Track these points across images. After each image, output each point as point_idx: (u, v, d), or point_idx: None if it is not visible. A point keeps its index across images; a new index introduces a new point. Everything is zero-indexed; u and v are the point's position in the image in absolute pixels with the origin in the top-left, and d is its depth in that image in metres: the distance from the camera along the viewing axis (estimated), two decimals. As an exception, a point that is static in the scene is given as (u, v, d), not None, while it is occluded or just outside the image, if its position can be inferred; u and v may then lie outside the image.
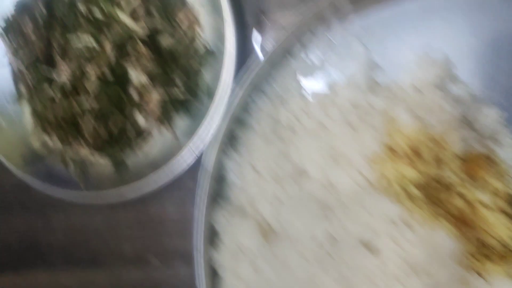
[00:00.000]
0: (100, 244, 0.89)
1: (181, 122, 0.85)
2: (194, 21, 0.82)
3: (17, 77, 0.86)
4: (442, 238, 0.63)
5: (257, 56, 0.76)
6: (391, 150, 0.69)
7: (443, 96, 0.70)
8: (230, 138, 0.79)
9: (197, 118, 0.81)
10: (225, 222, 0.77)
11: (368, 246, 0.67)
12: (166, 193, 0.85)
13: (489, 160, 0.68)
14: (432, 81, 0.72)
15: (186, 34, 0.83)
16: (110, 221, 0.88)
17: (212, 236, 0.78)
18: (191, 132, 0.80)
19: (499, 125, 0.71)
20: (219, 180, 0.79)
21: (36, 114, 0.85)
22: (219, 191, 0.79)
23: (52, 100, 0.82)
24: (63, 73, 0.81)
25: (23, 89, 0.86)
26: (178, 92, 0.82)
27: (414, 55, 0.74)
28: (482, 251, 0.65)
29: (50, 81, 0.82)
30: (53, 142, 0.85)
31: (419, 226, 0.64)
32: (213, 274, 0.77)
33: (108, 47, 0.79)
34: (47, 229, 0.91)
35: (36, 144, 0.86)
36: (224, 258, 0.76)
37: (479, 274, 0.65)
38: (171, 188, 0.84)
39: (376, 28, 0.77)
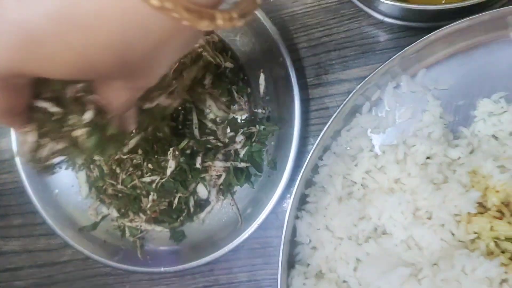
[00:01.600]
0: (169, 314, 0.86)
1: (243, 193, 0.83)
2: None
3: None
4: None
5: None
6: (481, 205, 0.66)
7: (526, 144, 0.68)
8: (302, 202, 0.77)
9: (261, 190, 0.80)
10: (301, 285, 0.74)
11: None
12: (233, 258, 0.83)
13: None
14: (510, 129, 0.70)
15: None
16: (178, 290, 0.86)
17: (290, 300, 0.75)
18: (254, 204, 0.79)
19: None
20: (293, 244, 0.77)
21: (91, 182, 0.84)
22: (293, 256, 0.77)
23: (112, 172, 0.80)
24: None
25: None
26: (241, 162, 0.81)
27: (488, 102, 0.72)
28: None
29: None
30: (110, 212, 0.84)
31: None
32: None
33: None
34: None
35: (91, 213, 0.85)
36: (304, 324, 0.73)
37: None
38: (238, 252, 0.82)
39: (445, 77, 0.75)
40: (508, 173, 0.65)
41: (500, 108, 0.72)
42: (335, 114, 0.73)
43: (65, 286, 0.91)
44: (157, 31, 0.41)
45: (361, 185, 0.75)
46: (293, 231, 0.76)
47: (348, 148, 0.77)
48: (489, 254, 0.64)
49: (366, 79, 0.73)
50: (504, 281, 0.62)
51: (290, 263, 0.76)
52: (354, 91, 0.73)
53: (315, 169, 0.77)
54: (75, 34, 0.40)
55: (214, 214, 0.83)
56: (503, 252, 0.64)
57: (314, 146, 0.73)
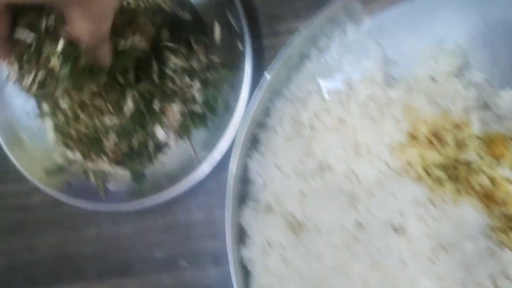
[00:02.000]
0: (131, 252, 0.91)
1: (199, 135, 0.88)
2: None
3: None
4: (468, 213, 0.65)
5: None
6: (413, 136, 0.71)
7: (459, 83, 0.73)
8: (254, 142, 0.82)
9: (215, 132, 0.85)
10: (252, 220, 0.79)
11: (396, 228, 0.69)
12: (191, 198, 0.88)
13: (510, 140, 0.71)
14: (447, 70, 0.75)
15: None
16: (139, 229, 0.91)
17: (241, 235, 0.80)
18: (209, 145, 0.84)
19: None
20: (245, 182, 0.82)
21: (58, 128, 0.88)
22: (245, 192, 0.82)
23: (75, 116, 0.85)
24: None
25: (45, 105, 0.89)
26: (197, 107, 0.85)
27: (428, 47, 0.78)
28: (508, 225, 0.67)
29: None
30: (75, 156, 0.88)
31: (444, 204, 0.67)
32: (245, 272, 0.79)
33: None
34: (79, 241, 0.93)
35: (58, 158, 0.89)
36: (254, 255, 0.78)
37: (506, 245, 0.67)
38: (196, 193, 0.87)
39: (389, 26, 0.80)
40: (437, 106, 0.71)
41: (438, 51, 0.77)
42: (280, 58, 0.77)
43: (35, 229, 0.95)
44: None
45: (309, 126, 0.80)
46: (246, 170, 0.81)
47: (298, 92, 0.82)
48: (419, 180, 0.70)
49: (312, 25, 0.78)
50: (430, 201, 0.68)
51: (242, 200, 0.81)
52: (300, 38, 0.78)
53: (267, 112, 0.82)
54: None
55: (173, 157, 0.87)
56: (434, 178, 0.70)
57: (260, 92, 0.78)
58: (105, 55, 0.69)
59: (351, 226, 0.71)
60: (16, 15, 0.63)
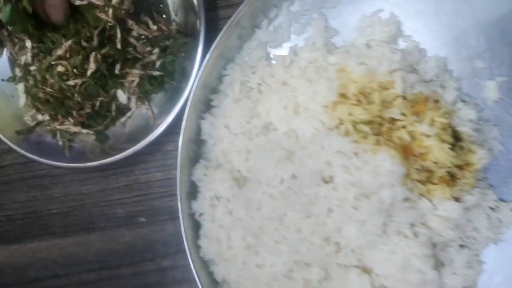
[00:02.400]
0: (95, 210, 0.98)
1: (158, 99, 0.94)
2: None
3: (13, 57, 0.96)
4: (385, 161, 0.71)
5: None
6: (343, 96, 0.78)
7: (390, 49, 0.79)
8: (208, 106, 0.88)
9: (172, 96, 0.91)
10: (203, 176, 0.85)
11: (324, 178, 0.75)
12: (150, 159, 0.95)
13: (433, 100, 0.77)
14: (382, 38, 0.82)
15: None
16: (102, 188, 0.97)
17: (194, 192, 0.86)
18: (167, 108, 0.90)
19: (442, 71, 0.80)
20: (199, 143, 0.88)
21: (28, 91, 0.94)
22: (199, 153, 0.88)
23: (43, 79, 0.91)
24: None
25: (17, 69, 0.96)
26: (156, 72, 0.92)
27: (367, 18, 0.84)
28: (425, 175, 0.73)
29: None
30: (43, 117, 0.95)
31: (366, 155, 0.73)
32: (196, 225, 0.86)
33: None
34: (46, 200, 1.00)
35: (28, 119, 0.96)
36: (202, 207, 0.85)
37: (423, 196, 0.73)
38: (155, 155, 0.94)
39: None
40: (365, 66, 0.77)
41: (375, 21, 0.83)
42: (226, 25, 0.83)
43: (6, 189, 1.02)
44: None
45: (256, 89, 0.86)
46: (199, 131, 0.88)
47: (248, 59, 0.88)
48: (347, 134, 0.76)
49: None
50: (355, 153, 0.74)
51: (197, 160, 0.88)
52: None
53: (220, 78, 0.88)
54: None
55: (134, 119, 0.94)
56: (360, 132, 0.76)
57: (209, 54, 0.84)
58: (57, 9, 0.72)
59: (286, 177, 0.77)
60: None
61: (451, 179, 0.75)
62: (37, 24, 0.79)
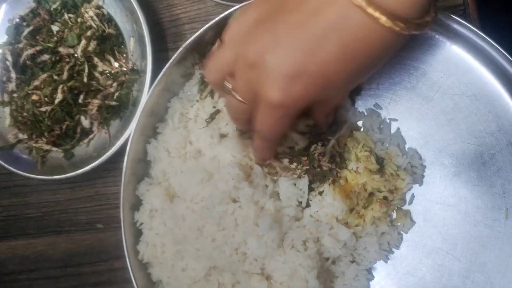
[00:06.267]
0: (63, 215, 1.15)
1: (115, 124, 1.12)
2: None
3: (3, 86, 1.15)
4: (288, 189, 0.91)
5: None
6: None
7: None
8: (154, 132, 1.04)
9: (126, 122, 1.08)
10: (145, 191, 1.02)
11: (234, 198, 0.91)
12: (108, 175, 1.13)
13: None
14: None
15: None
16: (69, 198, 1.15)
17: (137, 204, 1.03)
18: (121, 132, 1.07)
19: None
20: (147, 163, 1.05)
21: (12, 114, 1.12)
22: (147, 171, 1.05)
23: (22, 104, 1.09)
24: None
25: (6, 95, 1.14)
26: (113, 102, 1.09)
27: None
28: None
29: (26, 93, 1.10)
30: (23, 136, 1.14)
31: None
32: (138, 233, 1.02)
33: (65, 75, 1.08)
34: (24, 205, 1.18)
35: (10, 136, 1.14)
36: (143, 217, 1.01)
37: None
38: (112, 171, 1.12)
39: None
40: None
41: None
42: (169, 62, 1.00)
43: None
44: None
45: (194, 120, 1.02)
46: (146, 153, 1.04)
47: (189, 93, 1.04)
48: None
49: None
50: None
51: (142, 176, 1.04)
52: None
53: (166, 109, 1.05)
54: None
55: (96, 140, 1.11)
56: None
57: (151, 89, 1.00)
58: None
59: (204, 196, 0.93)
60: None
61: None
62: None
